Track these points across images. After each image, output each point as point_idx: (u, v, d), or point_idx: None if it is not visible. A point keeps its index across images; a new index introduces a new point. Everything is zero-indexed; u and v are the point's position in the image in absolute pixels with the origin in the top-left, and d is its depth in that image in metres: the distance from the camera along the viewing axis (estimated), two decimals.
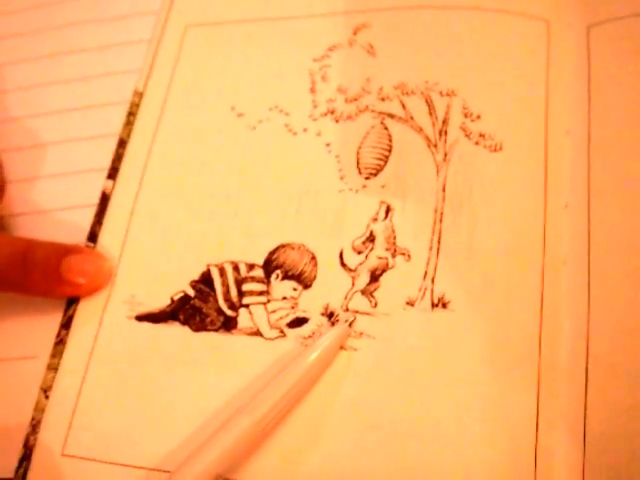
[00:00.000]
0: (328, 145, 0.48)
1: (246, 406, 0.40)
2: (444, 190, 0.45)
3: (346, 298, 0.44)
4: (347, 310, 0.43)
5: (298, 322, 0.43)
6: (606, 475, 0.38)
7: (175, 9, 0.56)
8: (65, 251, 0.46)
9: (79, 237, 0.48)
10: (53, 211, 0.50)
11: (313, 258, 0.45)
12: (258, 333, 0.44)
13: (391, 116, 0.48)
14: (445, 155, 0.46)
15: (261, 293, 0.45)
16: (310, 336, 0.43)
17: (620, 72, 0.47)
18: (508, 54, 0.49)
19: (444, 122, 0.47)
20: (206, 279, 0.45)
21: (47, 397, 0.43)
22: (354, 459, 0.40)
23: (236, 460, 0.39)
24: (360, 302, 0.43)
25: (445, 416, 0.40)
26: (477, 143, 0.47)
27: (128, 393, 0.43)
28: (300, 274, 0.45)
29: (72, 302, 0.46)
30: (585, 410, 0.39)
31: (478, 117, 0.47)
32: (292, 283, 0.44)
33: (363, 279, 0.44)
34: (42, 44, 0.57)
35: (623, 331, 0.40)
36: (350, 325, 0.43)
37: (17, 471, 0.42)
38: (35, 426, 0.43)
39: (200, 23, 0.55)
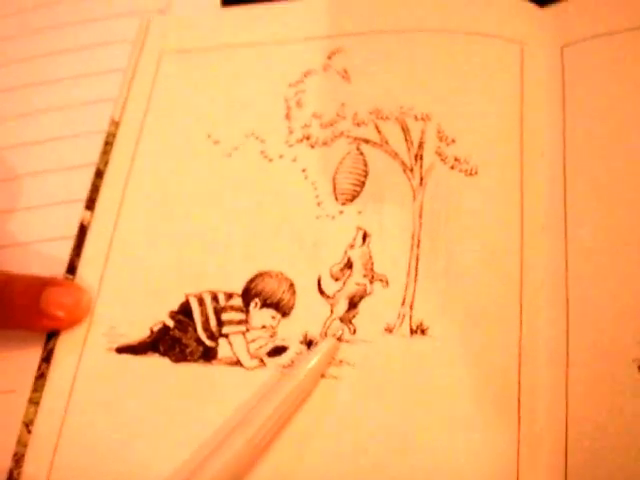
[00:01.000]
0: (304, 171, 0.48)
1: (239, 425, 0.40)
2: (421, 216, 0.46)
3: (325, 325, 0.43)
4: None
5: (277, 351, 0.43)
6: None
7: (150, 37, 0.56)
8: (44, 284, 0.45)
9: (58, 269, 0.48)
10: (31, 243, 0.50)
11: (291, 286, 0.45)
12: (238, 363, 0.43)
13: (366, 141, 0.48)
14: (421, 180, 0.47)
15: (240, 322, 0.45)
16: (290, 365, 0.43)
17: (594, 91, 0.48)
18: (482, 77, 0.49)
19: (419, 146, 0.48)
20: (185, 309, 0.45)
21: (29, 431, 0.43)
22: None
23: None
24: (339, 330, 0.43)
25: (426, 442, 0.40)
26: (453, 167, 0.47)
27: (111, 426, 0.43)
28: (278, 302, 0.45)
29: (52, 335, 0.46)
30: (566, 432, 0.39)
31: (453, 141, 0.47)
32: (271, 311, 0.44)
33: (341, 306, 0.44)
34: (17, 74, 0.57)
35: (602, 351, 0.41)
36: (339, 339, 0.43)
37: None
38: (18, 460, 0.42)
39: (175, 50, 0.55)
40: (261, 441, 0.40)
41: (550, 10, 0.51)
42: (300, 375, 0.41)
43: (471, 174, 0.46)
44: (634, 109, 0.46)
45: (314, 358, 0.42)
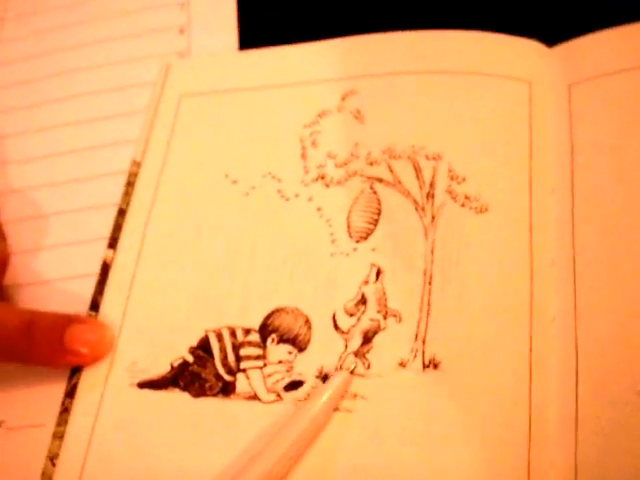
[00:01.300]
0: (319, 210, 0.49)
1: (253, 459, 0.40)
2: (433, 252, 0.46)
3: (340, 360, 0.44)
4: None
5: (294, 385, 0.44)
6: None
7: (170, 80, 0.57)
8: (68, 321, 0.46)
9: (81, 306, 0.49)
10: (55, 281, 0.51)
11: (307, 321, 0.46)
12: (255, 397, 0.44)
13: (379, 180, 0.49)
14: (433, 218, 0.47)
15: (258, 357, 0.45)
16: (306, 398, 0.43)
17: (601, 129, 0.48)
18: (491, 116, 0.50)
19: (431, 185, 0.48)
20: (204, 345, 0.46)
21: (54, 465, 0.44)
22: None
23: None
24: (353, 364, 0.44)
25: (438, 476, 0.40)
26: (463, 205, 0.47)
27: (132, 459, 0.43)
28: (295, 337, 0.45)
29: (75, 371, 0.47)
30: (576, 468, 0.40)
31: (464, 179, 0.48)
32: (287, 347, 0.45)
33: (356, 341, 0.45)
34: (42, 116, 0.59)
35: (609, 384, 0.41)
36: (352, 372, 0.43)
37: None
38: None
39: (194, 93, 0.56)
40: (276, 475, 0.40)
41: (558, 49, 0.52)
42: (314, 409, 0.42)
43: (481, 211, 0.47)
44: None
45: (327, 392, 0.42)
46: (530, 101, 0.50)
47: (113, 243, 0.51)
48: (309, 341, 0.45)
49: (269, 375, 0.45)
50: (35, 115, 0.59)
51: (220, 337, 0.46)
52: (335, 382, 0.43)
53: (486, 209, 0.47)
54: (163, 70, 0.58)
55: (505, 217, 0.47)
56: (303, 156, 0.51)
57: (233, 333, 0.46)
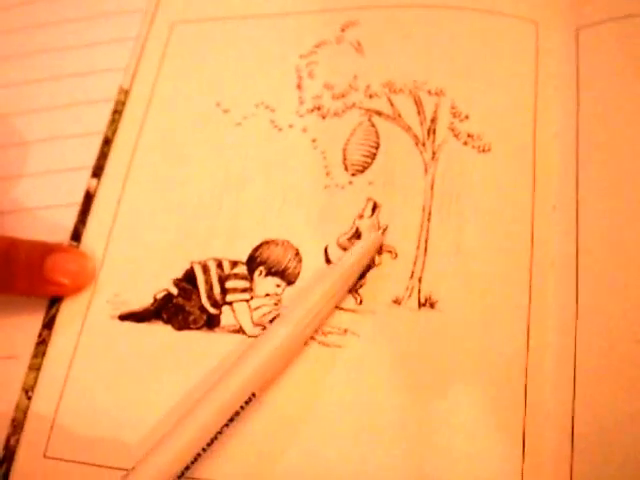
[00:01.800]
0: (314, 141, 0.48)
1: (284, 317, 0.41)
2: (432, 189, 0.45)
3: None
4: None
5: None
6: None
7: (162, 6, 0.55)
8: (48, 250, 0.45)
9: (63, 236, 0.48)
10: (37, 209, 0.50)
11: (297, 254, 0.45)
12: (240, 330, 0.43)
13: (379, 113, 0.48)
14: (433, 154, 0.46)
15: (244, 290, 0.44)
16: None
17: (608, 74, 0.47)
18: (497, 55, 0.49)
19: (432, 121, 0.47)
20: (189, 277, 0.45)
21: (29, 397, 0.43)
22: (335, 458, 0.40)
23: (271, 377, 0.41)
24: (345, 299, 0.43)
25: (431, 416, 0.40)
26: (465, 143, 0.46)
27: (111, 392, 0.43)
28: (284, 270, 0.44)
29: (54, 301, 0.46)
30: (573, 412, 0.39)
31: (466, 117, 0.47)
32: (276, 279, 0.44)
33: None
34: (27, 42, 0.57)
35: (611, 333, 0.40)
36: (383, 233, 0.44)
37: None
38: (16, 427, 0.42)
39: (186, 20, 0.55)
40: (309, 328, 0.41)
41: None
42: (346, 263, 0.42)
43: (484, 151, 0.46)
44: None
45: (360, 249, 0.43)
46: (537, 42, 0.49)
47: (98, 172, 0.50)
48: (299, 274, 0.44)
49: (256, 308, 0.44)
50: (20, 40, 0.57)
51: (206, 269, 0.45)
52: (367, 240, 0.44)
53: (489, 149, 0.46)
54: None
55: (508, 158, 0.46)
56: (299, 86, 0.50)
57: (220, 265, 0.45)
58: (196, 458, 0.38)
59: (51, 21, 0.58)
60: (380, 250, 0.44)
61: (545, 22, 0.50)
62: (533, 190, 0.45)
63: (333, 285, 0.42)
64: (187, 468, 0.38)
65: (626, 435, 0.38)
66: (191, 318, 0.44)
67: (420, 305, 0.42)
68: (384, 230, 0.44)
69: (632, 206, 0.43)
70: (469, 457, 0.39)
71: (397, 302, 0.43)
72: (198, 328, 0.44)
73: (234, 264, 0.45)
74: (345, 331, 0.42)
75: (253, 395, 0.40)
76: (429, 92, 0.48)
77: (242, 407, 0.39)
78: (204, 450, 0.39)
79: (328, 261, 0.44)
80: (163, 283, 0.45)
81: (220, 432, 0.39)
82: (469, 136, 0.47)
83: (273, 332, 0.41)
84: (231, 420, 0.39)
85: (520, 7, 0.50)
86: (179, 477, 0.38)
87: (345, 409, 0.40)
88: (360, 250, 0.43)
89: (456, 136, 0.47)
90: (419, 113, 0.48)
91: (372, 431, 0.40)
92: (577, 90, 0.47)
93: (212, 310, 0.44)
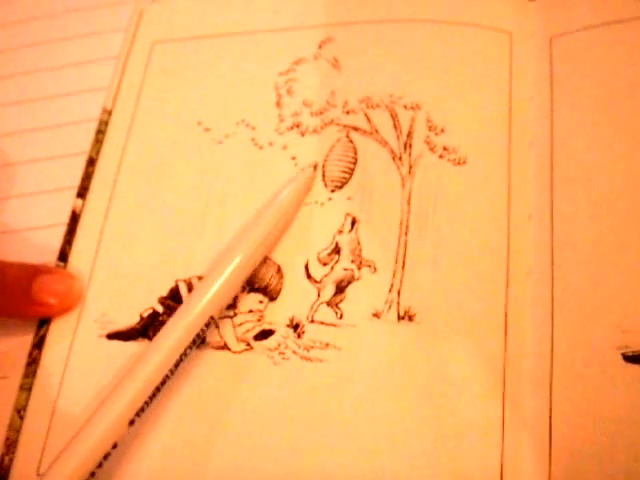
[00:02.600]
0: (294, 159, 0.48)
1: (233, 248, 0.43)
2: (409, 203, 0.46)
3: (312, 309, 0.44)
4: (312, 322, 0.44)
5: (264, 334, 0.44)
6: None
7: (142, 26, 0.56)
8: (35, 271, 0.46)
9: (49, 257, 0.48)
10: (23, 231, 0.50)
11: (279, 270, 0.45)
12: (225, 347, 0.44)
13: (356, 129, 0.49)
14: (410, 168, 0.47)
15: (228, 307, 0.45)
16: (276, 348, 0.43)
17: (582, 82, 0.48)
18: (471, 67, 0.50)
19: (408, 135, 0.48)
20: (174, 294, 0.45)
21: (21, 417, 0.43)
22: (319, 469, 0.40)
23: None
24: (326, 313, 0.44)
25: (410, 428, 0.40)
26: (441, 156, 0.47)
27: None
28: (266, 287, 0.45)
29: (44, 322, 0.46)
30: (550, 419, 0.40)
31: (442, 130, 0.48)
32: (258, 296, 0.45)
33: (329, 290, 0.44)
34: (10, 64, 0.57)
35: (586, 337, 0.41)
36: (315, 169, 0.46)
37: None
38: (10, 446, 0.43)
39: (167, 39, 0.55)
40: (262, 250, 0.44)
41: (540, 2, 0.52)
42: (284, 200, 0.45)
43: (459, 163, 0.47)
44: (621, 100, 0.47)
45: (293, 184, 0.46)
46: (510, 53, 0.50)
47: (82, 192, 0.50)
48: (280, 290, 0.45)
49: (239, 324, 0.44)
50: (3, 61, 0.58)
51: (191, 286, 0.46)
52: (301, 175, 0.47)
53: (464, 161, 0.47)
54: (135, 16, 0.56)
55: (483, 169, 0.46)
56: (278, 104, 0.51)
57: None
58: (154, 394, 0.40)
59: (31, 42, 0.58)
60: (359, 264, 0.45)
61: (519, 32, 0.50)
62: (508, 200, 0.45)
63: (275, 220, 0.45)
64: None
65: (603, 438, 0.39)
66: None
67: (399, 318, 0.43)
68: (315, 166, 0.46)
69: (606, 214, 0.44)
70: (457, 459, 0.39)
71: (377, 315, 0.43)
72: None
73: None
74: (327, 345, 0.43)
75: (212, 318, 0.42)
76: (405, 106, 0.49)
77: (203, 330, 0.41)
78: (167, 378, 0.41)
79: (309, 276, 0.45)
80: (149, 301, 0.46)
81: (182, 358, 0.41)
82: (445, 149, 0.47)
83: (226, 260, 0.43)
84: (193, 344, 0.41)
85: (493, 18, 0.51)
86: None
87: (328, 421, 0.41)
88: (296, 184, 0.46)
89: (432, 149, 0.47)
90: (395, 128, 0.48)
91: (355, 441, 0.40)
92: (551, 99, 0.48)
93: None
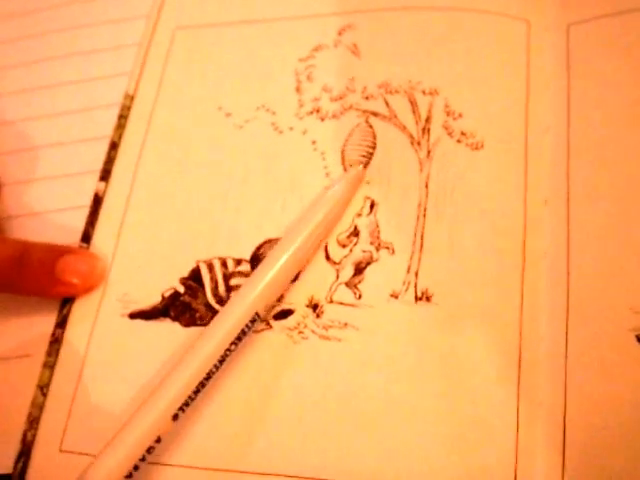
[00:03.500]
0: (314, 143, 0.49)
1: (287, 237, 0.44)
2: (427, 186, 0.46)
3: (331, 290, 0.44)
4: (331, 302, 0.44)
5: (283, 314, 0.44)
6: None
7: (164, 13, 0.57)
8: (59, 252, 0.47)
9: (73, 238, 0.49)
10: (47, 213, 0.51)
11: None
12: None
13: (375, 114, 0.49)
14: (428, 152, 0.47)
15: None
16: (295, 327, 0.44)
17: (599, 70, 0.48)
18: (489, 54, 0.50)
19: (427, 120, 0.48)
20: (195, 275, 0.46)
21: (44, 394, 0.44)
22: (336, 449, 0.41)
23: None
24: (344, 294, 0.44)
25: (427, 407, 0.41)
26: (459, 141, 0.47)
27: (123, 388, 0.44)
28: None
29: (67, 301, 0.47)
30: (565, 401, 0.40)
31: (460, 116, 0.48)
32: None
33: (347, 272, 0.45)
34: (34, 49, 0.58)
35: (600, 319, 0.41)
36: (365, 167, 0.46)
37: (15, 466, 0.42)
38: (32, 422, 0.43)
39: (189, 26, 0.56)
40: (302, 257, 0.44)
41: None
42: (335, 195, 0.46)
43: (477, 148, 0.47)
44: (638, 87, 0.47)
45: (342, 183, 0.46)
46: (528, 40, 0.50)
47: (105, 175, 0.51)
48: (300, 271, 0.45)
49: None
50: (28, 47, 0.58)
51: (211, 267, 0.46)
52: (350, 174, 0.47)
53: (482, 146, 0.47)
54: (157, 2, 0.57)
55: (500, 154, 0.47)
56: (298, 89, 0.51)
57: (224, 263, 0.46)
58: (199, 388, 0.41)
59: (56, 29, 0.59)
60: (378, 246, 0.45)
61: (536, 20, 0.51)
62: (525, 185, 0.46)
63: (325, 216, 0.45)
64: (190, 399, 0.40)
65: (617, 423, 0.39)
66: (198, 315, 0.45)
67: (417, 299, 0.43)
68: (366, 164, 0.47)
69: (622, 199, 0.44)
70: (471, 440, 0.40)
71: (394, 296, 0.44)
72: (204, 324, 0.44)
73: (238, 262, 0.46)
74: (345, 325, 0.43)
75: (257, 315, 0.42)
76: (423, 92, 0.49)
77: (247, 326, 0.42)
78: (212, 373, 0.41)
79: (328, 258, 0.46)
80: (170, 282, 0.46)
81: (226, 354, 0.41)
82: (462, 134, 0.48)
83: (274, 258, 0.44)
84: (238, 340, 0.41)
85: (512, 6, 0.51)
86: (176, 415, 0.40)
87: (346, 400, 0.42)
88: (345, 182, 0.46)
89: (450, 134, 0.48)
90: (414, 113, 0.49)
91: (372, 418, 0.41)
92: (568, 86, 0.48)
93: (217, 307, 0.45)
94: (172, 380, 0.40)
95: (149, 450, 0.39)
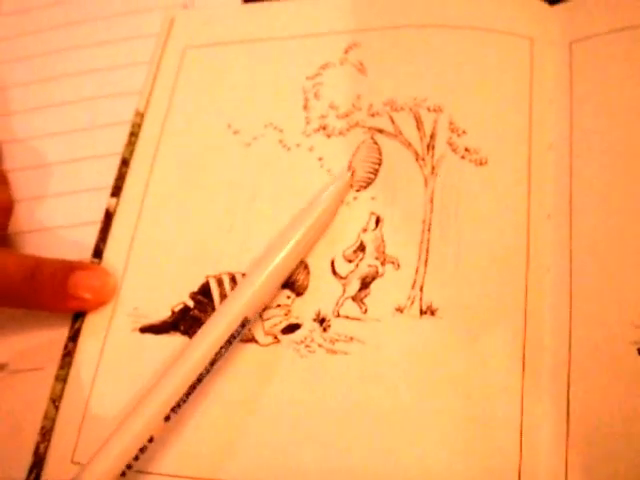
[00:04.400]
0: (320, 160, 0.50)
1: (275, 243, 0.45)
2: (432, 202, 0.47)
3: (337, 304, 0.45)
4: (338, 316, 0.45)
5: (291, 328, 0.45)
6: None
7: (174, 31, 0.58)
8: (71, 267, 0.47)
9: (85, 253, 0.50)
10: (59, 228, 0.52)
11: (306, 267, 0.46)
12: (253, 340, 0.45)
13: (380, 131, 0.50)
14: (433, 169, 0.48)
15: None
16: (303, 341, 0.44)
17: (601, 87, 0.49)
18: (493, 71, 0.51)
19: (431, 137, 0.49)
20: (205, 290, 0.47)
21: (56, 407, 0.45)
22: (342, 461, 0.41)
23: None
24: (351, 308, 0.45)
25: (431, 420, 0.41)
26: (463, 157, 0.48)
27: (133, 402, 0.44)
28: (294, 282, 0.46)
29: (79, 316, 0.47)
30: (568, 414, 0.41)
31: (464, 132, 0.49)
32: (286, 291, 0.46)
33: (354, 286, 0.45)
34: (47, 66, 0.59)
35: (602, 333, 0.42)
36: (352, 173, 0.47)
37: (28, 478, 0.43)
38: (45, 434, 0.44)
39: (198, 45, 0.57)
40: (297, 256, 0.45)
41: (560, 7, 0.52)
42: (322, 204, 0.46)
43: (481, 164, 0.48)
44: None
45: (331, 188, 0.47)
46: (531, 57, 0.51)
47: (116, 192, 0.51)
48: (307, 286, 0.46)
49: (268, 319, 0.45)
50: (40, 65, 0.59)
51: (220, 282, 0.47)
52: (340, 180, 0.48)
53: (485, 162, 0.48)
54: (167, 22, 0.58)
55: (504, 170, 0.47)
56: (305, 107, 0.52)
57: (233, 278, 0.47)
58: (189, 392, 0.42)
59: (69, 47, 0.60)
60: (383, 261, 0.46)
61: (539, 37, 0.51)
62: (528, 200, 0.46)
63: (313, 224, 0.46)
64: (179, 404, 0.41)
65: (618, 435, 0.39)
66: None
67: (422, 313, 0.44)
68: (352, 171, 0.48)
69: (624, 214, 0.44)
70: (476, 452, 0.40)
71: (400, 310, 0.44)
72: None
73: None
74: (351, 339, 0.44)
75: (246, 320, 0.43)
76: (428, 109, 0.50)
77: (237, 331, 0.43)
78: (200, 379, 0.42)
79: (335, 273, 0.46)
80: (180, 296, 0.47)
81: (217, 357, 0.42)
82: (466, 150, 0.48)
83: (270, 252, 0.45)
84: (228, 344, 0.42)
85: (515, 24, 0.52)
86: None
87: (352, 411, 0.42)
88: (333, 189, 0.47)
89: (454, 150, 0.48)
90: (419, 129, 0.49)
91: (378, 431, 0.41)
92: (571, 102, 0.49)
93: None
94: (165, 381, 0.41)
95: (142, 450, 0.40)
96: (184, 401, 0.41)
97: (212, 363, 0.42)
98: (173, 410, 0.41)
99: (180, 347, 0.44)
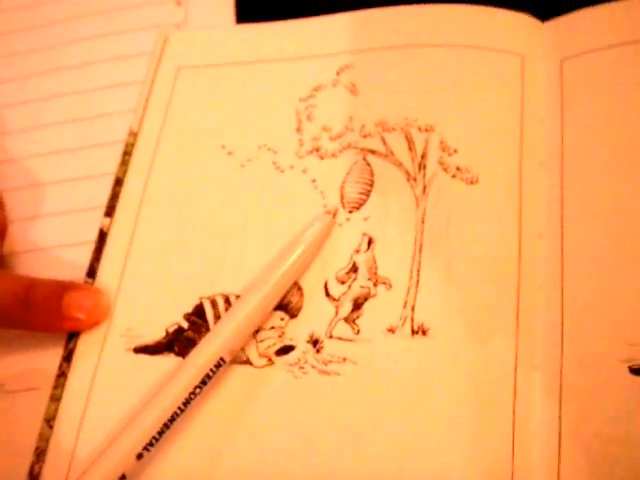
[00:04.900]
0: (314, 181, 0.50)
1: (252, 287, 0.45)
2: (423, 222, 0.47)
3: (330, 326, 0.45)
4: (331, 337, 0.45)
5: (285, 350, 0.45)
6: None
7: (167, 51, 0.58)
8: (65, 288, 0.47)
9: (78, 273, 0.50)
10: (53, 248, 0.52)
11: (299, 289, 0.47)
12: (248, 362, 0.45)
13: (372, 152, 0.50)
14: (424, 188, 0.48)
15: None
16: (296, 362, 0.45)
17: (592, 103, 0.49)
18: (483, 89, 0.51)
19: (423, 157, 0.49)
20: (199, 311, 0.47)
21: (51, 427, 0.45)
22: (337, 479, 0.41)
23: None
24: (343, 329, 0.45)
25: (424, 441, 0.42)
26: (454, 176, 0.48)
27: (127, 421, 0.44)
28: (287, 304, 0.46)
29: (73, 336, 0.47)
30: (559, 432, 0.41)
31: (455, 151, 0.49)
32: (280, 313, 0.46)
33: (346, 308, 0.46)
34: (40, 86, 0.59)
35: (594, 351, 0.42)
36: (334, 216, 0.47)
37: None
38: (39, 455, 0.44)
39: (192, 65, 0.57)
40: (272, 300, 0.45)
41: (551, 24, 0.53)
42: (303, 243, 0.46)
43: (472, 183, 0.48)
44: (631, 122, 0.48)
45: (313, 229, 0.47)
46: (522, 74, 0.51)
47: (110, 211, 0.51)
48: (301, 308, 0.46)
49: (262, 340, 0.45)
50: (33, 85, 0.60)
51: (214, 304, 0.47)
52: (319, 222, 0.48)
53: (476, 180, 0.48)
54: (160, 41, 0.58)
55: (495, 189, 0.48)
56: (298, 129, 0.52)
57: (227, 300, 0.47)
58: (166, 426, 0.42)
59: (61, 66, 0.60)
60: (375, 282, 0.46)
61: (530, 54, 0.51)
62: (520, 218, 0.46)
63: (292, 265, 0.46)
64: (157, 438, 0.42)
65: (611, 456, 0.40)
66: None
67: (413, 333, 0.44)
68: (335, 213, 0.48)
69: (615, 231, 0.45)
70: (468, 470, 0.41)
71: (391, 331, 0.44)
72: None
73: None
74: (344, 359, 0.44)
75: (222, 360, 0.43)
76: (419, 128, 0.50)
77: (212, 370, 0.43)
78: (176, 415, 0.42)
79: (328, 294, 0.46)
80: (174, 317, 0.47)
81: (191, 397, 0.42)
82: (458, 169, 0.48)
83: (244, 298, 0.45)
84: (202, 384, 0.43)
85: (506, 40, 0.52)
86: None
87: (346, 431, 0.42)
88: (313, 232, 0.47)
89: (445, 170, 0.48)
90: (410, 149, 0.49)
91: (371, 451, 0.42)
92: (562, 120, 0.49)
93: None
94: (138, 420, 0.42)
95: None
96: (157, 440, 0.42)
97: (185, 403, 0.42)
98: (146, 449, 0.41)
99: (159, 382, 0.44)
